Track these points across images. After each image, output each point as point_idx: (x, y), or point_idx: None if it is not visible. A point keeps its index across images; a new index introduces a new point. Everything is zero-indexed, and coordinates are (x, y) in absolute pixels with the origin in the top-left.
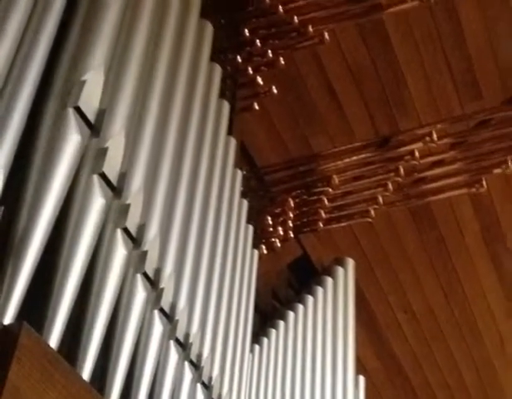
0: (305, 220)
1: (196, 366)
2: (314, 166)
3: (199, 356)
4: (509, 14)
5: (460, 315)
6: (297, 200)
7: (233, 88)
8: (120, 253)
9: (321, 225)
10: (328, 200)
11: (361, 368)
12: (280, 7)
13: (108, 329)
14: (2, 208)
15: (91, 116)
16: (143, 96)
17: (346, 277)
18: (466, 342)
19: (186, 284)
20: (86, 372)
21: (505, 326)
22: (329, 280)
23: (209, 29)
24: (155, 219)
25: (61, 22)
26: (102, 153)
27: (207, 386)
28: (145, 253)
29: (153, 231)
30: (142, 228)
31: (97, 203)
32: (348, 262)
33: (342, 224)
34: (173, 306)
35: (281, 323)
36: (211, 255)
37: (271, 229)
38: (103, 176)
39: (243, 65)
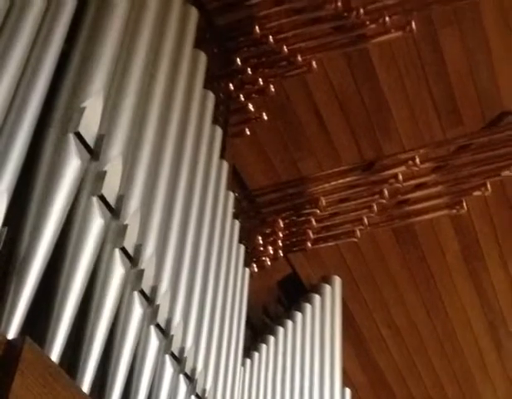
0: (294, 240)
1: (190, 378)
2: (303, 189)
3: (193, 369)
4: (487, 45)
5: (442, 330)
6: (286, 221)
7: (226, 114)
8: (118, 271)
9: (309, 245)
10: (316, 221)
11: (347, 381)
12: (270, 37)
13: (107, 344)
14: (6, 228)
15: (91, 141)
16: (140, 122)
17: (333, 294)
18: (448, 356)
19: (181, 301)
20: (86, 385)
21: (484, 340)
22: (317, 297)
23: (203, 58)
24: (151, 239)
25: (62, 52)
26: (101, 176)
27: (201, 398)
28: (141, 272)
29: (149, 251)
30: (139, 247)
31: (96, 224)
32: (335, 280)
33: (329, 244)
34: (168, 322)
35: (271, 338)
36: (205, 273)
37: (262, 249)
38: (102, 198)
39: (235, 92)
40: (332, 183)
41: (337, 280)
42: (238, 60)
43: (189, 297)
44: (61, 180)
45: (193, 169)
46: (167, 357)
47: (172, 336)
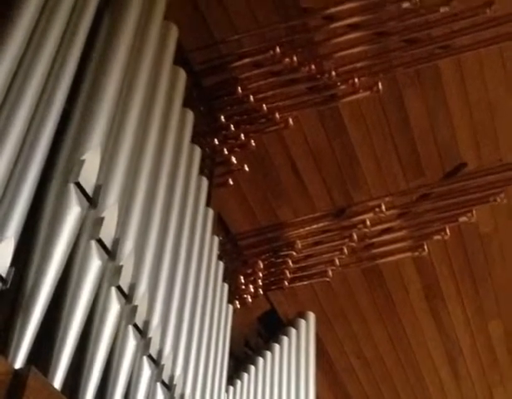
0: (273, 279)
1: None
2: (280, 233)
3: (182, 395)
4: (446, 103)
5: (406, 361)
6: (265, 262)
7: (211, 166)
8: (114, 307)
9: (286, 284)
10: (293, 262)
11: None
12: (251, 96)
13: (104, 372)
14: (13, 269)
15: (90, 191)
16: (134, 174)
17: (307, 328)
18: (411, 384)
19: (171, 334)
20: None
21: (444, 370)
22: (293, 331)
23: (191, 116)
24: (144, 279)
25: (64, 111)
26: (99, 222)
27: None
28: (135, 308)
29: (142, 288)
30: (133, 286)
31: (95, 264)
32: (309, 315)
33: (305, 283)
34: (159, 352)
35: (252, 368)
36: (192, 309)
37: (243, 287)
38: (100, 242)
39: (219, 146)
40: (307, 228)
41: (312, 315)
42: (222, 117)
43: (178, 330)
44: (62, 226)
45: (181, 215)
46: (158, 385)
47: (163, 365)
